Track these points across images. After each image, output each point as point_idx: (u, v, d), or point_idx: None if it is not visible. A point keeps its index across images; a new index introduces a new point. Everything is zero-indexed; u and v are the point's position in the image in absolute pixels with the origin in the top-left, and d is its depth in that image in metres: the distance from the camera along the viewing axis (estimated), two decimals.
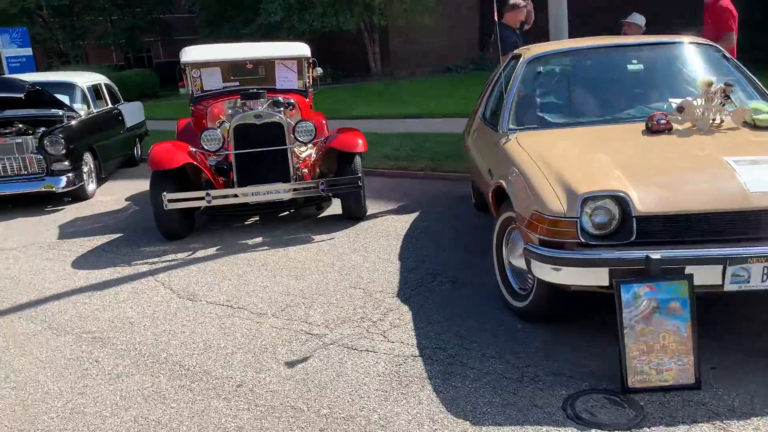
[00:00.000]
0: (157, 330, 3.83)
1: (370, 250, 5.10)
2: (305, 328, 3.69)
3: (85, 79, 9.32)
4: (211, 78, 6.86)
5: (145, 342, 3.68)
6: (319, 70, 7.03)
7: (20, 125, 8.19)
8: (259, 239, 5.66)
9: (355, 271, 4.60)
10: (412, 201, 6.71)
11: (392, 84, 22.82)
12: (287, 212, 6.36)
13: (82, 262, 5.33)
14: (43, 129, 8.08)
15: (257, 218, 6.38)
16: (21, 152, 7.53)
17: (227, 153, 5.77)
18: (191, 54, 6.88)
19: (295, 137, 5.88)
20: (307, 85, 7.08)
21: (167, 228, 5.66)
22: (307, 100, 7.02)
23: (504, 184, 3.47)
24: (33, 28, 28.86)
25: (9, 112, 8.38)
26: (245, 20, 28.72)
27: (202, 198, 5.42)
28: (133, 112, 10.73)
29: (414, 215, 6.12)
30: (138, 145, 10.84)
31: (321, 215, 6.35)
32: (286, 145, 5.76)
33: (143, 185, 8.68)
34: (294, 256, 5.09)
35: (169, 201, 5.38)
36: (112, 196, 8.19)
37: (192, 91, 6.81)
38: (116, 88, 10.51)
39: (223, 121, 6.32)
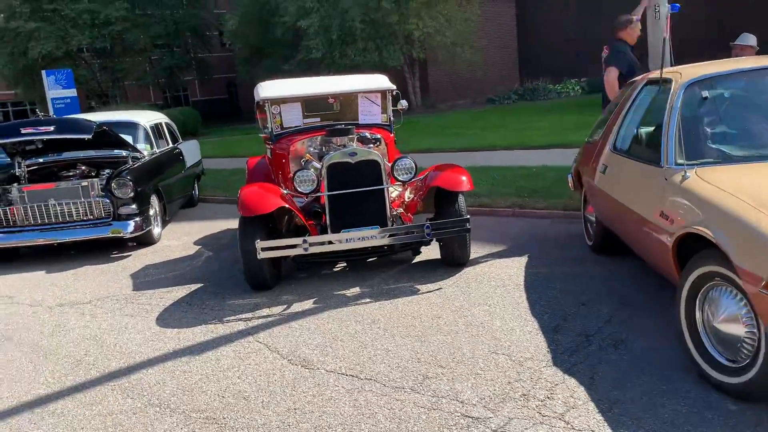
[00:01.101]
0: (279, 408, 3.26)
1: (492, 303, 4.50)
2: (459, 408, 3.08)
3: (147, 118, 9.00)
4: (291, 114, 6.41)
5: (269, 425, 3.11)
6: (404, 103, 6.54)
7: (83, 167, 7.86)
8: (356, 289, 5.10)
9: (487, 331, 3.99)
10: (511, 242, 6.11)
11: (439, 116, 22.41)
12: (375, 257, 5.79)
13: (167, 319, 4.81)
14: (108, 171, 7.74)
15: (344, 264, 5.84)
16: (86, 196, 7.14)
17: (319, 195, 5.26)
18: (270, 89, 6.45)
19: (394, 176, 5.36)
20: (391, 119, 6.58)
21: (258, 279, 5.13)
22: (392, 135, 6.52)
23: (707, 231, 2.85)
24: (75, 69, 29.33)
25: (70, 154, 8.07)
26: (284, 57, 28.78)
27: (298, 246, 4.89)
28: (191, 151, 10.39)
29: (521, 259, 5.52)
30: (196, 185, 10.48)
31: (414, 260, 5.78)
32: (382, 184, 5.24)
33: (208, 227, 8.27)
34: (405, 311, 4.50)
35: (263, 249, 4.86)
36: (179, 240, 7.74)
37: (272, 128, 6.36)
38: (175, 127, 10.20)
39: (309, 161, 5.83)
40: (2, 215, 6.96)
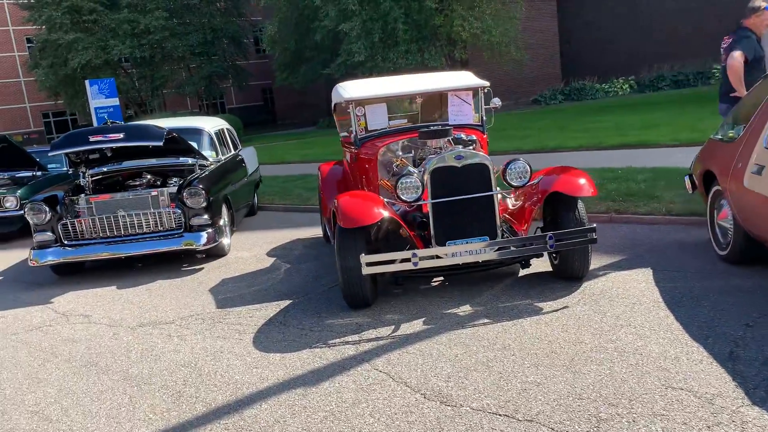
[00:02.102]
0: None
1: (637, 324, 3.95)
2: None
3: (211, 124, 8.65)
4: (376, 115, 5.95)
5: None
6: (497, 101, 6.03)
7: (149, 176, 7.52)
8: (467, 308, 4.60)
9: (647, 359, 3.45)
10: (622, 251, 5.55)
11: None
12: (481, 271, 5.26)
13: (265, 342, 4.37)
14: (175, 180, 7.38)
15: (441, 278, 5.34)
16: (156, 206, 6.79)
17: (422, 203, 4.77)
18: (354, 90, 6.00)
19: (506, 181, 4.85)
20: (483, 118, 6.07)
21: (359, 297, 4.66)
22: (485, 136, 6.01)
23: None
24: (115, 79, 29.49)
25: (133, 162, 7.74)
26: (323, 62, 28.51)
27: (408, 260, 4.41)
28: (249, 158, 10.02)
29: (644, 271, 4.96)
30: (255, 193, 10.11)
31: (522, 274, 5.25)
32: (491, 190, 4.73)
33: (275, 237, 7.87)
34: (536, 334, 3.98)
35: (368, 265, 4.39)
36: (250, 251, 7.34)
37: (356, 131, 5.90)
38: (235, 133, 9.84)
39: (403, 166, 5.36)
40: (70, 227, 6.63)
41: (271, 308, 5.10)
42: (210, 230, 6.74)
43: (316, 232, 7.95)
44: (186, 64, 35.13)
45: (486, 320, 4.31)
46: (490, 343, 3.92)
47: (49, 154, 6.55)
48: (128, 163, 7.73)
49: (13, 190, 9.55)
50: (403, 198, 4.67)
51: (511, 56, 24.90)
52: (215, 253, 7.07)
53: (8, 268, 7.82)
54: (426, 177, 4.70)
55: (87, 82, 21.24)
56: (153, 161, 7.77)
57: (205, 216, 6.73)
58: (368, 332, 4.32)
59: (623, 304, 4.31)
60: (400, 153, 5.74)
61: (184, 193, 6.65)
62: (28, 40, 37.71)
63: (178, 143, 7.06)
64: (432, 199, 4.68)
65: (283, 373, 3.81)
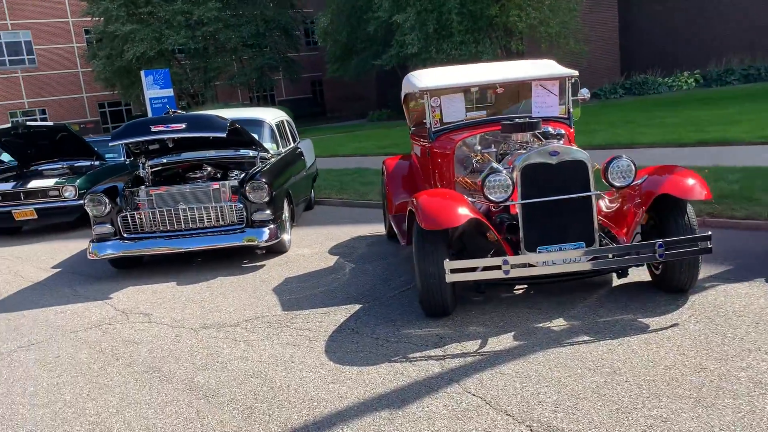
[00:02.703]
0: None
1: None
2: None
3: (272, 115, 8.36)
4: (453, 107, 5.52)
5: None
6: (585, 92, 5.53)
7: (209, 168, 7.27)
8: (561, 321, 4.14)
9: None
10: (728, 260, 4.98)
11: None
12: (573, 280, 4.78)
13: (338, 352, 4.01)
14: (236, 173, 7.10)
15: (525, 287, 4.88)
16: (218, 200, 6.51)
17: (511, 204, 4.32)
18: (429, 79, 5.58)
19: (607, 180, 4.37)
20: (570, 111, 5.58)
21: (439, 305, 4.26)
22: (572, 130, 5.52)
23: None
24: (170, 69, 29.76)
25: (192, 154, 7.50)
26: (375, 53, 28.14)
27: (496, 267, 3.98)
28: (307, 151, 9.71)
29: (761, 284, 4.40)
30: (312, 187, 9.80)
31: (617, 283, 4.76)
32: (590, 190, 4.25)
33: (335, 234, 7.54)
34: (649, 356, 3.50)
35: (452, 271, 3.98)
36: (310, 248, 7.01)
37: (430, 123, 5.48)
38: (294, 125, 9.54)
39: (485, 162, 4.92)
40: (130, 220, 6.42)
41: (341, 313, 4.75)
42: (272, 226, 6.43)
43: (378, 229, 7.59)
44: (238, 56, 35.25)
45: (586, 337, 3.85)
46: (596, 365, 3.46)
47: (110, 143, 6.35)
48: (187, 155, 7.50)
49: (71, 179, 9.49)
50: (491, 198, 4.23)
51: (570, 49, 24.00)
52: (276, 249, 6.77)
53: (66, 260, 7.71)
54: (516, 174, 4.25)
55: (142, 72, 21.42)
56: (212, 153, 7.52)
57: (268, 211, 6.43)
58: (452, 346, 3.91)
59: (744, 324, 3.78)
60: (479, 148, 5.30)
61: (247, 187, 6.36)
62: (86, 32, 38.47)
63: (241, 135, 6.78)
64: (522, 199, 4.23)
65: (363, 391, 3.44)
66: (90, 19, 33.77)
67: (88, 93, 40.79)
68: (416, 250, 4.23)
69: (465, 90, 5.58)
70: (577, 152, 4.28)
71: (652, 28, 30.37)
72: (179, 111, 6.52)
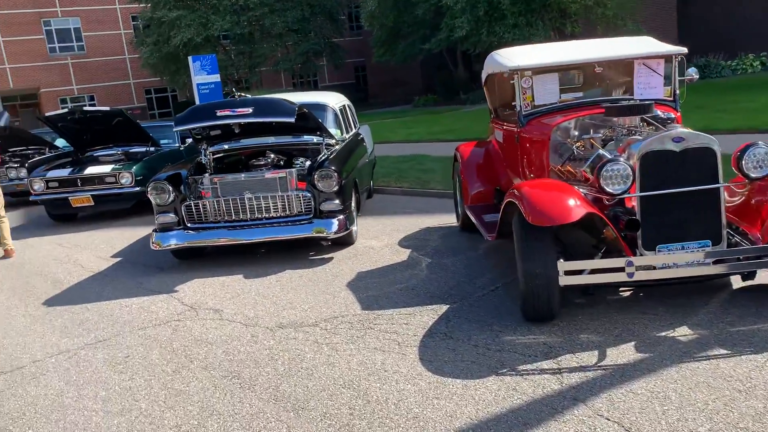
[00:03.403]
0: None
1: None
2: None
3: (335, 100, 7.98)
4: (546, 88, 5.03)
5: None
6: (693, 71, 4.97)
7: (272, 155, 6.93)
8: (685, 330, 3.65)
9: None
10: None
11: None
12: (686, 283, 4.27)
13: (435, 361, 3.61)
14: (301, 160, 6.75)
15: (632, 288, 4.39)
16: (284, 189, 6.17)
17: (630, 196, 3.84)
18: (519, 57, 5.10)
19: (740, 170, 3.85)
20: (676, 92, 5.03)
21: (544, 310, 3.82)
22: (678, 113, 4.97)
23: None
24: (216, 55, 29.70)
25: (252, 140, 7.16)
26: (422, 37, 27.56)
27: (620, 269, 3.51)
28: (367, 137, 9.32)
29: None
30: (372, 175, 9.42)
31: (739, 286, 4.23)
32: (718, 181, 3.74)
33: (401, 224, 7.15)
34: None
35: (567, 273, 3.54)
36: (378, 240, 6.63)
37: (521, 106, 5.01)
38: (354, 110, 9.14)
39: (590, 149, 4.43)
40: (194, 209, 6.13)
41: (427, 314, 4.34)
42: (341, 217, 6.07)
43: (446, 219, 7.17)
44: (283, 42, 35.05)
45: (722, 350, 3.36)
46: (746, 386, 2.98)
47: (174, 129, 6.06)
48: (249, 141, 7.17)
49: (127, 166, 9.30)
50: (608, 189, 3.75)
51: (628, 30, 22.98)
52: (343, 241, 6.40)
53: (125, 248, 7.50)
54: (634, 163, 3.77)
55: (190, 58, 21.27)
56: (271, 139, 7.18)
57: (337, 201, 6.06)
58: (565, 358, 3.47)
59: None
60: (576, 133, 4.81)
61: (316, 175, 6.00)
62: (134, 18, 38.81)
63: (308, 120, 6.41)
64: (642, 191, 3.74)
65: (475, 410, 3.03)
66: (137, 5, 34.00)
67: (134, 79, 41.23)
68: (520, 248, 3.79)
69: (560, 70, 5.07)
70: (705, 138, 3.76)
71: (711, 9, 28.95)
72: (244, 95, 6.18)
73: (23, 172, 11.76)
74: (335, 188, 6.01)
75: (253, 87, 35.05)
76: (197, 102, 19.07)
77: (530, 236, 3.73)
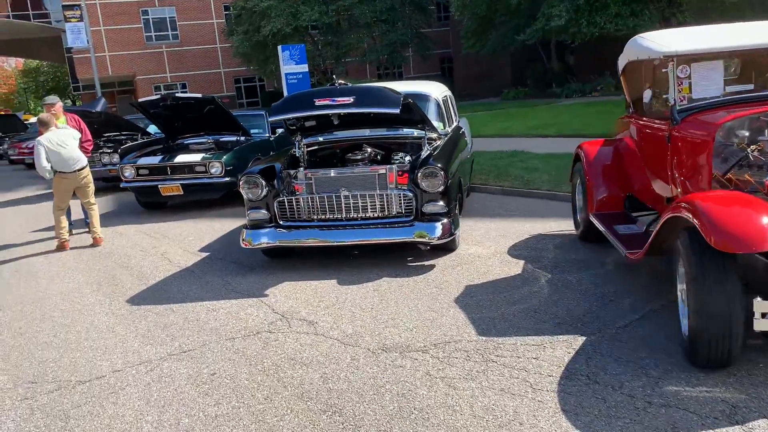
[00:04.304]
0: None
1: None
2: None
3: (438, 90, 7.32)
4: (708, 78, 4.17)
5: None
6: None
7: (369, 150, 6.35)
8: None
9: None
10: None
11: None
12: None
13: (581, 414, 2.91)
14: (401, 155, 6.14)
15: None
16: (383, 187, 5.58)
17: None
18: (674, 42, 4.25)
19: None
20: None
21: (723, 357, 3.03)
22: None
23: None
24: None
25: (347, 133, 6.60)
26: (516, 27, 26.39)
27: None
28: (466, 131, 8.60)
29: None
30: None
31: None
32: None
33: (508, 229, 6.45)
34: None
35: (764, 316, 2.74)
36: (483, 246, 5.94)
37: (675, 100, 4.18)
38: (455, 102, 8.45)
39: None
40: (287, 205, 5.65)
41: (559, 346, 3.63)
42: (445, 220, 5.42)
43: (559, 226, 6.41)
44: (371, 32, 34.67)
45: None
46: None
47: (271, 118, 5.61)
48: (343, 133, 6.63)
49: (218, 155, 9.01)
50: None
51: (746, 20, 21.03)
52: (444, 246, 5.75)
53: (213, 242, 7.16)
54: None
55: (279, 47, 21.21)
56: (368, 131, 6.61)
57: (441, 202, 5.42)
58: (758, 425, 2.68)
59: None
60: (746, 134, 3.93)
61: (419, 174, 5.37)
62: (226, 8, 39.50)
63: (412, 112, 5.78)
64: None
65: None
66: None
67: (225, 68, 42.08)
68: (694, 278, 3.01)
69: (725, 57, 4.20)
70: None
71: None
72: (345, 83, 5.62)
73: (116, 158, 11.80)
74: (441, 188, 5.37)
75: (338, 78, 34.88)
76: (285, 92, 18.89)
77: (710, 265, 2.95)
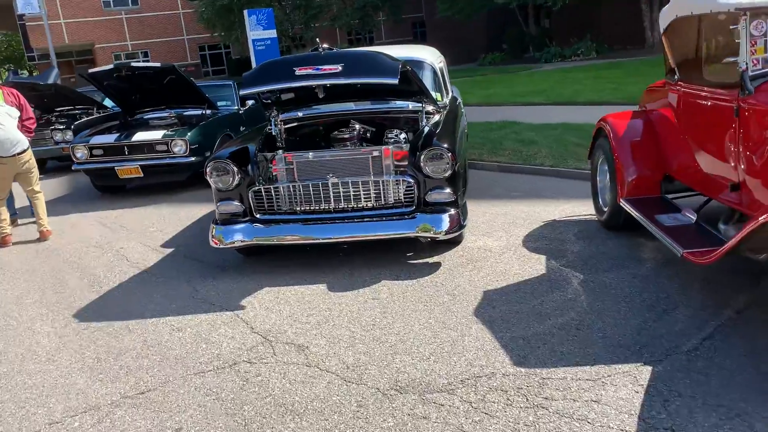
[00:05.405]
0: None
1: None
2: None
3: (433, 56, 6.41)
4: None
5: None
6: None
7: (357, 126, 5.46)
8: None
9: None
10: None
11: None
12: None
13: None
14: (395, 132, 5.28)
15: None
16: (378, 171, 4.73)
17: None
18: None
19: None
20: None
21: None
22: None
23: None
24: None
25: (332, 106, 5.70)
26: None
27: None
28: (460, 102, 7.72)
29: None
30: None
31: None
32: None
33: (515, 214, 5.72)
34: None
35: None
36: (492, 238, 5.15)
37: (747, 63, 3.37)
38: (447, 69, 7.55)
39: None
40: (264, 195, 4.76)
41: (621, 381, 2.87)
42: (453, 211, 4.60)
43: (571, 208, 5.71)
44: None
45: None
46: None
47: (242, 92, 4.65)
48: (326, 108, 5.72)
49: (181, 132, 8.01)
50: None
51: None
52: (453, 239, 4.93)
53: (178, 234, 6.24)
54: None
55: (245, 12, 19.93)
56: (352, 105, 5.71)
57: (448, 189, 4.59)
58: None
59: None
60: None
61: (422, 156, 4.51)
62: None
63: (409, 82, 4.89)
64: None
65: None
66: None
67: (188, 35, 40.22)
68: None
69: None
70: None
71: None
72: (331, 47, 4.69)
73: (69, 135, 10.67)
74: (448, 173, 4.53)
75: (309, 44, 33.51)
76: (253, 59, 17.71)
77: None
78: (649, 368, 2.95)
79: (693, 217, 4.00)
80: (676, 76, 4.22)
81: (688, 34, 3.99)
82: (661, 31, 4.31)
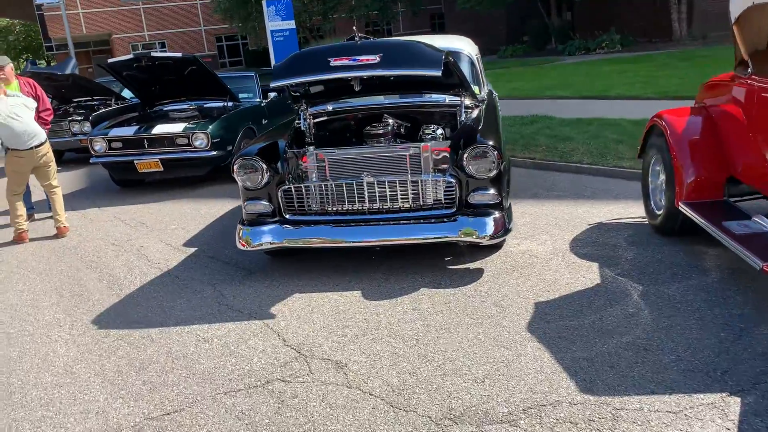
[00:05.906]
0: None
1: None
2: None
3: (470, 46, 6.06)
4: None
5: None
6: None
7: (391, 121, 5.13)
8: None
9: None
10: None
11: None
12: None
13: None
14: (432, 128, 4.95)
15: None
16: (417, 170, 4.40)
17: None
18: None
19: None
20: None
21: None
22: None
23: None
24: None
25: (363, 100, 5.39)
26: None
27: None
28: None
29: None
30: None
31: None
32: None
33: (556, 215, 5.37)
34: None
35: None
36: (537, 242, 4.82)
37: None
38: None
39: None
40: (294, 195, 4.45)
41: (708, 415, 2.54)
42: (497, 213, 4.26)
43: (621, 210, 5.38)
44: None
45: None
46: None
47: (272, 84, 4.33)
48: (357, 101, 5.41)
49: (202, 125, 7.73)
50: None
51: None
52: (494, 243, 4.59)
53: (201, 233, 5.96)
54: None
55: (264, 2, 19.65)
56: (382, 99, 5.39)
57: (492, 190, 4.26)
58: None
59: None
60: None
61: (466, 155, 4.18)
62: None
63: (451, 74, 4.54)
64: None
65: None
66: None
67: (205, 26, 40.03)
68: None
69: None
70: None
71: None
72: (363, 36, 4.36)
73: (87, 126, 10.47)
74: (493, 173, 4.20)
75: (327, 35, 33.19)
76: (271, 51, 17.41)
77: None
78: (738, 399, 2.61)
79: (766, 224, 3.64)
80: (749, 70, 3.84)
81: (762, 25, 3.61)
82: (732, 20, 3.93)
